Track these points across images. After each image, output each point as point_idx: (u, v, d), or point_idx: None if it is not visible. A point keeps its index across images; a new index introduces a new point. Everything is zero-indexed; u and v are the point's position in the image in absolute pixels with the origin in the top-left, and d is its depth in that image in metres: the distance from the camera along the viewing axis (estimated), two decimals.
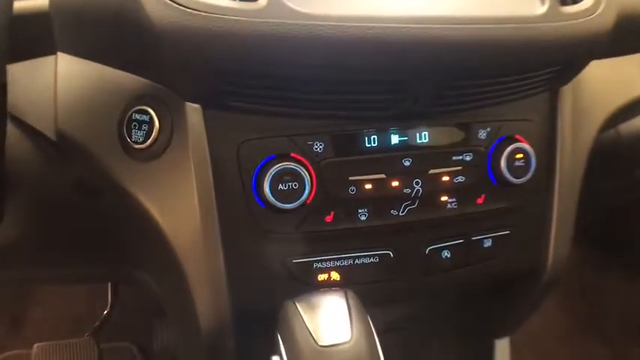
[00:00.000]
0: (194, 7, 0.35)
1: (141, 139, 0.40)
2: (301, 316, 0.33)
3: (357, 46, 0.37)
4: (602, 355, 1.08)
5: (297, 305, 0.34)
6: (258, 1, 0.36)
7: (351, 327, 0.32)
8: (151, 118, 0.40)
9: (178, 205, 0.40)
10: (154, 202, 0.40)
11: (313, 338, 0.32)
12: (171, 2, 0.35)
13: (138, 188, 0.41)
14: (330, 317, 0.33)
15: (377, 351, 0.33)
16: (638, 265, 1.10)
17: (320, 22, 0.36)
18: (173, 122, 0.40)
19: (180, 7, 0.35)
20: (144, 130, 0.40)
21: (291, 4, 0.36)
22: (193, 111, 0.39)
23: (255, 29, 0.35)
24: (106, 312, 0.91)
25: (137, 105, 0.40)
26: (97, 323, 0.90)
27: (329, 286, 0.43)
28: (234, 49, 0.36)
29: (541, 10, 0.41)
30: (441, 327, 0.55)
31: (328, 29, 0.36)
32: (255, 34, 0.35)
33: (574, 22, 0.41)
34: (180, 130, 0.39)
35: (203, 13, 0.35)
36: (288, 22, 0.35)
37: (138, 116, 0.40)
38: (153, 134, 0.40)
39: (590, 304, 1.13)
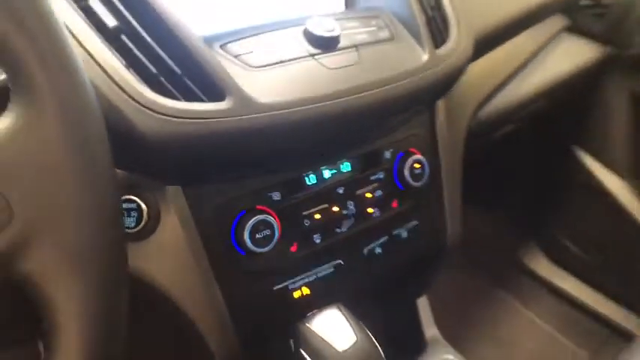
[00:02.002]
0: (174, 114, 0.43)
1: (132, 225, 0.49)
2: (317, 333, 0.46)
3: (304, 124, 0.49)
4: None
5: (310, 325, 0.47)
6: (225, 101, 0.46)
7: (354, 331, 0.46)
8: (139, 205, 0.48)
9: (176, 268, 0.50)
10: (157, 272, 0.50)
11: (333, 347, 0.45)
12: (153, 113, 0.43)
13: (138, 264, 0.49)
14: (337, 327, 0.46)
15: (374, 343, 0.47)
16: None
17: (276, 112, 0.47)
18: (159, 205, 0.49)
19: (163, 117, 0.43)
20: (134, 216, 0.48)
21: (252, 96, 0.46)
22: (175, 191, 0.49)
23: (226, 127, 0.45)
24: None
25: (124, 195, 0.48)
26: None
27: (304, 299, 0.56)
28: (209, 145, 0.46)
29: (424, 58, 0.56)
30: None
31: (283, 116, 0.47)
32: (225, 131, 0.45)
33: (448, 62, 0.57)
34: (167, 210, 0.49)
35: (182, 120, 0.44)
36: (252, 116, 0.46)
37: (126, 205, 0.48)
38: (144, 219, 0.48)
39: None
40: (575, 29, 1.10)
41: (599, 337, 1.26)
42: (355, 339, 0.45)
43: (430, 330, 0.75)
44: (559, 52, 1.03)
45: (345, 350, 0.44)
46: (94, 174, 0.29)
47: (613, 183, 1.23)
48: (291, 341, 0.49)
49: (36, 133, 0.27)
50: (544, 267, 1.41)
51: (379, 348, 0.47)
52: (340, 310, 0.48)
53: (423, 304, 0.76)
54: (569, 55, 1.05)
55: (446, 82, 0.59)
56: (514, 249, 1.45)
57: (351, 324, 0.46)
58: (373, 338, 0.47)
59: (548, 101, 1.04)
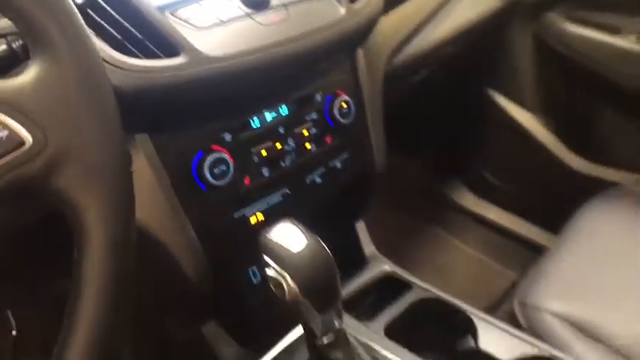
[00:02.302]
0: (139, 70, 0.53)
1: None
2: (276, 241, 0.57)
3: (245, 72, 0.59)
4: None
5: (273, 237, 0.57)
6: (179, 57, 0.55)
7: (305, 236, 0.57)
8: None
9: (150, 203, 0.60)
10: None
11: (290, 250, 0.56)
12: (123, 71, 0.52)
13: None
14: (291, 234, 0.57)
15: (323, 245, 0.58)
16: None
17: (222, 63, 0.57)
18: (130, 151, 0.58)
19: (130, 73, 0.52)
20: None
21: (201, 51, 0.56)
22: (143, 139, 0.58)
23: (182, 78, 0.54)
24: None
25: None
26: None
27: (259, 224, 0.67)
28: (168, 94, 0.55)
29: (342, 12, 0.67)
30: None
31: (227, 66, 0.57)
32: (181, 82, 0.55)
33: (362, 14, 0.69)
34: (137, 154, 0.58)
35: (146, 74, 0.53)
36: (202, 68, 0.56)
37: None
38: None
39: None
40: None
41: (523, 257, 1.40)
42: (307, 241, 0.56)
43: (369, 248, 0.87)
44: (465, 1, 1.16)
45: (299, 252, 0.55)
46: (105, 107, 0.39)
47: (523, 117, 1.39)
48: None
49: (60, 78, 0.36)
50: (469, 200, 1.58)
51: (327, 249, 0.58)
52: (292, 222, 0.59)
53: (361, 226, 0.89)
54: (474, 4, 1.18)
55: (361, 32, 0.70)
56: (441, 186, 1.61)
57: (302, 231, 0.57)
58: (322, 243, 0.58)
59: (456, 47, 1.17)
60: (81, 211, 0.37)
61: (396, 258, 0.89)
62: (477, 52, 1.37)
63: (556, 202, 1.14)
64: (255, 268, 0.80)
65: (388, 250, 0.91)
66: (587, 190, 1.13)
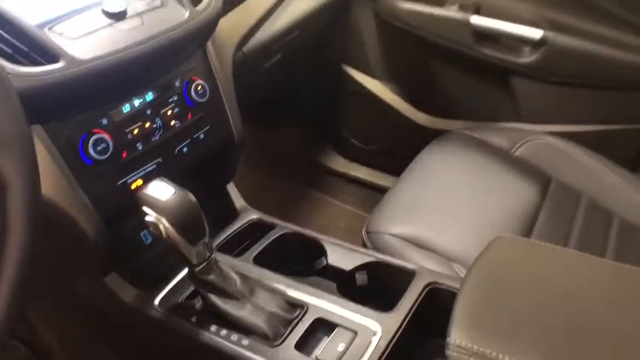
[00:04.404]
0: (28, 75, 0.70)
1: None
2: (152, 196, 0.77)
3: (113, 69, 0.78)
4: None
5: (147, 192, 0.78)
6: (59, 62, 0.74)
7: (173, 187, 0.78)
8: None
9: (50, 178, 0.77)
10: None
11: (162, 199, 0.76)
12: (16, 77, 0.68)
13: None
14: (162, 188, 0.78)
15: (189, 193, 0.79)
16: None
17: (93, 63, 0.75)
18: None
19: (22, 78, 0.69)
20: None
21: (75, 56, 0.75)
22: (38, 128, 0.76)
23: (62, 79, 0.72)
24: None
25: None
26: None
27: (139, 188, 0.87)
28: (53, 93, 0.72)
29: (186, 14, 0.86)
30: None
31: (98, 66, 0.76)
32: (62, 82, 0.72)
33: (203, 15, 0.89)
34: (35, 142, 0.76)
35: (34, 78, 0.70)
36: (77, 69, 0.74)
37: None
38: None
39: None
40: None
41: None
42: (174, 191, 0.77)
43: (239, 202, 1.09)
44: None
45: (169, 199, 0.76)
46: (11, 97, 0.57)
47: (373, 86, 1.65)
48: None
49: None
50: (339, 163, 1.84)
51: (193, 197, 0.79)
52: (162, 180, 0.80)
53: (231, 186, 1.10)
54: None
55: (204, 30, 0.91)
56: (314, 152, 1.85)
57: (170, 185, 0.78)
58: (188, 192, 0.79)
59: (304, 31, 1.40)
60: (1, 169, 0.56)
61: (275, 215, 1.10)
62: (327, 32, 1.62)
63: (408, 153, 1.35)
64: (146, 232, 1.01)
65: (267, 210, 1.12)
66: (430, 140, 1.38)
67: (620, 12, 1.35)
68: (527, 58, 1.46)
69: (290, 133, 1.93)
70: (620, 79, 1.39)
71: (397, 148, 1.65)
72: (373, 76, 1.67)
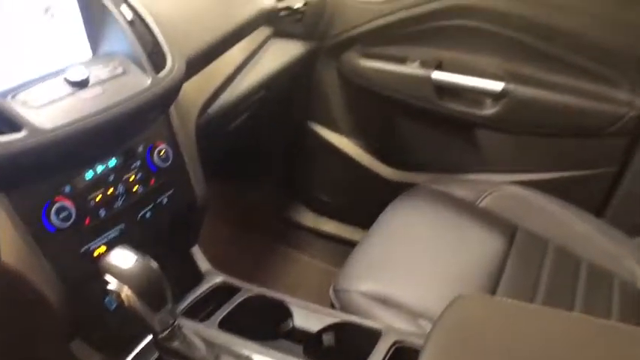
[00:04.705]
0: None
1: None
2: (114, 264, 0.77)
3: (75, 137, 0.78)
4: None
5: (108, 260, 0.78)
6: (22, 132, 0.74)
7: (135, 254, 0.78)
8: None
9: (12, 245, 0.77)
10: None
11: (123, 267, 0.77)
12: None
13: None
14: (124, 256, 0.78)
15: (151, 260, 0.79)
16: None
17: (55, 133, 0.76)
18: None
19: None
20: None
21: (38, 126, 0.75)
22: (2, 197, 0.76)
23: (24, 148, 0.73)
24: None
25: None
26: None
27: (102, 255, 0.87)
28: (17, 161, 0.72)
29: (148, 82, 0.87)
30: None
31: (60, 134, 0.76)
32: (25, 151, 0.73)
33: (165, 82, 0.91)
34: None
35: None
36: (40, 138, 0.75)
37: None
38: None
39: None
40: (282, 34, 1.49)
41: None
42: (136, 259, 0.77)
43: (204, 265, 1.09)
44: (271, 52, 1.42)
45: (131, 267, 0.76)
46: None
47: (339, 141, 1.68)
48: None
49: None
50: (308, 218, 1.85)
51: (155, 263, 0.79)
52: (124, 247, 0.80)
53: (195, 250, 1.11)
54: (279, 54, 1.45)
55: (166, 97, 0.92)
56: (282, 208, 1.87)
57: (132, 252, 0.78)
58: (150, 259, 0.79)
59: (270, 90, 1.43)
60: None
61: (243, 274, 1.10)
62: (292, 90, 1.65)
63: (376, 207, 1.36)
64: (110, 298, 1.00)
65: (236, 268, 1.12)
66: (397, 193, 1.41)
67: (576, 60, 1.40)
68: (489, 110, 1.50)
69: (258, 189, 1.94)
70: (581, 126, 1.43)
71: (365, 202, 1.67)
72: (339, 132, 1.70)
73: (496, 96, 1.47)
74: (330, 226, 1.84)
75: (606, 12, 1.34)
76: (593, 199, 1.52)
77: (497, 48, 1.47)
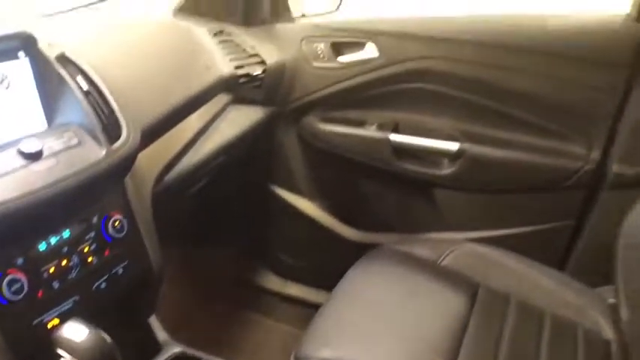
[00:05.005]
0: None
1: None
2: (66, 337, 0.76)
3: (28, 209, 0.78)
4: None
5: (61, 334, 0.76)
6: None
7: (87, 328, 0.77)
8: None
9: None
10: None
11: (76, 341, 0.75)
12: None
13: None
14: (76, 330, 0.77)
15: (103, 333, 0.78)
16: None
17: (8, 205, 0.75)
18: None
19: None
20: None
21: None
22: None
23: None
24: None
25: None
26: None
27: (55, 327, 0.85)
28: None
29: (102, 153, 0.88)
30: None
31: (12, 207, 0.76)
32: None
33: (120, 153, 0.91)
34: None
35: None
36: None
37: None
38: None
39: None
40: (241, 100, 1.51)
41: None
42: (88, 332, 0.76)
43: (162, 335, 1.08)
44: (230, 119, 1.44)
45: (83, 341, 0.75)
46: None
47: (301, 204, 1.70)
48: None
49: None
50: (272, 281, 1.84)
51: (107, 336, 0.78)
52: (76, 321, 0.79)
53: (152, 320, 1.09)
54: (239, 120, 1.47)
55: (121, 167, 0.93)
56: (245, 272, 1.86)
57: (84, 326, 0.77)
58: (103, 332, 0.78)
59: (230, 155, 1.45)
60: None
61: (205, 342, 1.09)
62: (253, 154, 1.67)
63: (339, 269, 1.36)
64: None
65: (199, 336, 1.11)
66: (360, 254, 1.40)
67: (530, 118, 1.45)
68: (446, 169, 1.54)
69: (220, 254, 1.93)
70: (538, 181, 1.46)
71: (328, 264, 1.66)
72: (300, 194, 1.72)
73: (452, 156, 1.51)
74: (294, 289, 1.84)
75: (557, 72, 1.40)
76: (554, 252, 1.55)
77: (452, 109, 1.52)
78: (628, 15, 1.34)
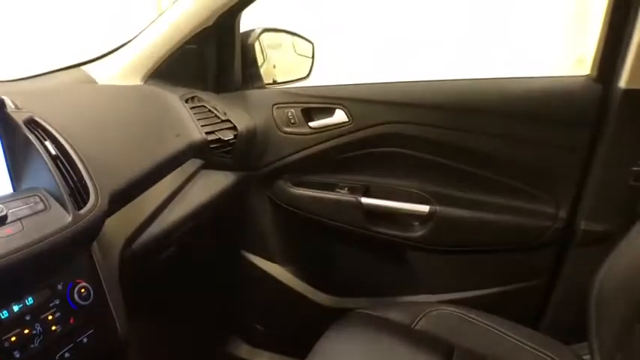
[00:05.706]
0: None
1: None
2: None
3: None
4: None
5: None
6: None
7: None
8: None
9: None
10: None
11: None
12: None
13: None
14: None
15: None
16: None
17: None
18: None
19: None
20: None
21: None
22: None
23: None
24: None
25: None
26: None
27: None
28: None
29: (68, 219, 0.87)
30: None
31: None
32: None
33: (87, 219, 0.90)
34: None
35: None
36: None
37: None
38: None
39: None
40: (213, 165, 1.51)
41: None
42: None
43: None
44: (201, 184, 1.44)
45: None
46: None
47: (273, 270, 1.68)
48: None
49: None
50: (243, 350, 1.81)
51: None
52: None
53: None
54: (210, 184, 1.47)
55: (88, 233, 0.92)
56: (216, 342, 1.81)
57: None
58: None
59: (200, 220, 1.44)
60: None
61: None
62: (224, 219, 1.67)
63: (312, 335, 1.33)
64: None
65: None
66: (333, 319, 1.39)
67: (496, 178, 1.49)
68: (417, 232, 1.55)
69: (189, 323, 1.88)
70: (508, 241, 1.48)
71: (301, 331, 1.64)
72: (272, 260, 1.71)
73: (423, 218, 1.53)
74: (265, 358, 1.80)
75: (521, 134, 1.45)
76: (529, 311, 1.56)
77: (422, 171, 1.55)
78: (588, 76, 1.40)
